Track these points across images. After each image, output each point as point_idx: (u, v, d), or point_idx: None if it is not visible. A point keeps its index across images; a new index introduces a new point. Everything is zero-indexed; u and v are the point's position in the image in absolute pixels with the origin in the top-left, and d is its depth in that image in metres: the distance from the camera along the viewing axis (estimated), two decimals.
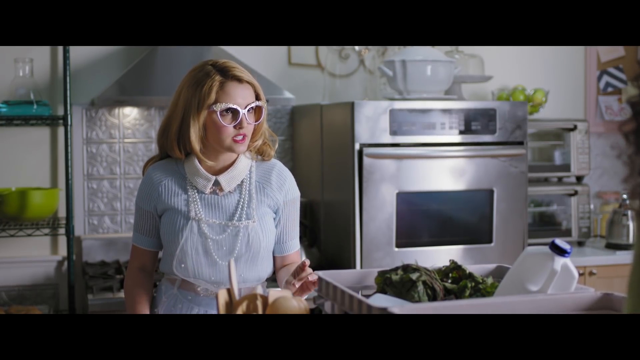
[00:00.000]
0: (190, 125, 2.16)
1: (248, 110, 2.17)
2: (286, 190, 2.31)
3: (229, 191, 2.24)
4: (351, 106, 3.25)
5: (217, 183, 2.23)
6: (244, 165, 2.26)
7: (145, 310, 2.27)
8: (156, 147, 2.35)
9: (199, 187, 2.22)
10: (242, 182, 2.26)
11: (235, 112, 2.15)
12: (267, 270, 2.32)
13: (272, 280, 3.08)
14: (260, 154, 2.30)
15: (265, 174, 2.29)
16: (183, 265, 2.21)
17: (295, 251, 2.38)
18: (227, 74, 2.16)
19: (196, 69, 2.20)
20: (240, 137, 2.16)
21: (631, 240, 3.86)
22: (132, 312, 2.27)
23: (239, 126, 2.15)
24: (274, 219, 2.30)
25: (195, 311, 2.23)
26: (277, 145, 2.34)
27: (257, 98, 2.21)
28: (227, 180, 2.23)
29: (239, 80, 2.16)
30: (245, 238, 2.22)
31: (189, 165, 2.23)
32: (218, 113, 2.13)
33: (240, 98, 2.15)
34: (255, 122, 2.20)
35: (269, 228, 2.27)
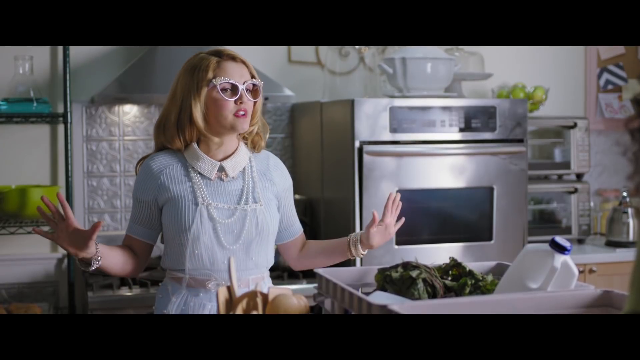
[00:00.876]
0: (191, 107, 2.20)
1: (246, 88, 2.22)
2: (284, 177, 2.39)
3: (233, 177, 2.26)
4: (351, 104, 3.25)
5: (221, 169, 2.25)
6: (244, 153, 2.30)
7: (113, 250, 2.21)
8: (154, 143, 2.35)
9: (204, 173, 2.23)
10: (243, 169, 2.29)
11: (234, 88, 2.20)
12: (272, 255, 2.36)
13: (275, 278, 3.09)
14: (252, 145, 2.34)
15: (263, 163, 2.35)
16: (197, 252, 2.20)
17: (301, 233, 2.47)
18: (221, 55, 2.24)
19: (190, 59, 2.27)
20: (242, 113, 2.20)
21: (631, 237, 3.87)
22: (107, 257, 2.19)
23: (239, 101, 2.20)
24: (277, 205, 2.34)
25: (207, 307, 2.22)
26: (267, 135, 2.38)
27: (253, 78, 2.26)
28: (232, 166, 2.26)
29: (234, 58, 2.24)
30: (254, 221, 2.24)
31: (190, 153, 2.24)
32: (218, 87, 2.18)
33: (237, 75, 2.22)
34: (255, 99, 2.25)
35: (274, 212, 2.31)
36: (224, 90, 2.19)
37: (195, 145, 2.24)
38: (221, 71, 2.20)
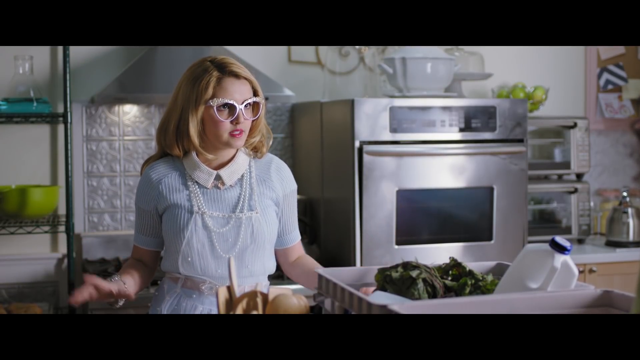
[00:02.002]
0: (189, 120, 2.18)
1: (245, 106, 2.19)
2: (285, 183, 2.35)
3: (230, 185, 2.26)
4: (351, 104, 3.25)
5: (218, 178, 2.25)
6: (243, 160, 2.28)
7: (127, 277, 2.22)
8: (156, 145, 2.35)
9: (200, 182, 2.23)
10: (242, 176, 2.28)
11: (232, 108, 2.17)
12: (272, 262, 2.34)
13: (275, 278, 3.09)
14: (254, 151, 2.32)
15: (264, 168, 2.32)
16: (190, 259, 2.21)
17: (297, 242, 2.42)
18: (224, 70, 2.18)
19: (195, 65, 2.23)
20: (237, 132, 2.18)
21: (631, 237, 3.87)
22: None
23: (235, 121, 2.18)
24: (276, 212, 2.32)
25: (199, 309, 2.23)
26: (271, 142, 2.35)
27: (255, 94, 2.23)
28: (229, 174, 2.25)
29: (237, 76, 2.19)
30: (250, 229, 2.23)
31: (189, 162, 2.24)
32: (215, 108, 2.16)
33: (238, 94, 2.18)
34: (253, 118, 2.22)
35: (271, 219, 2.29)
36: (221, 109, 2.17)
37: (193, 153, 2.23)
38: (221, 90, 2.16)
